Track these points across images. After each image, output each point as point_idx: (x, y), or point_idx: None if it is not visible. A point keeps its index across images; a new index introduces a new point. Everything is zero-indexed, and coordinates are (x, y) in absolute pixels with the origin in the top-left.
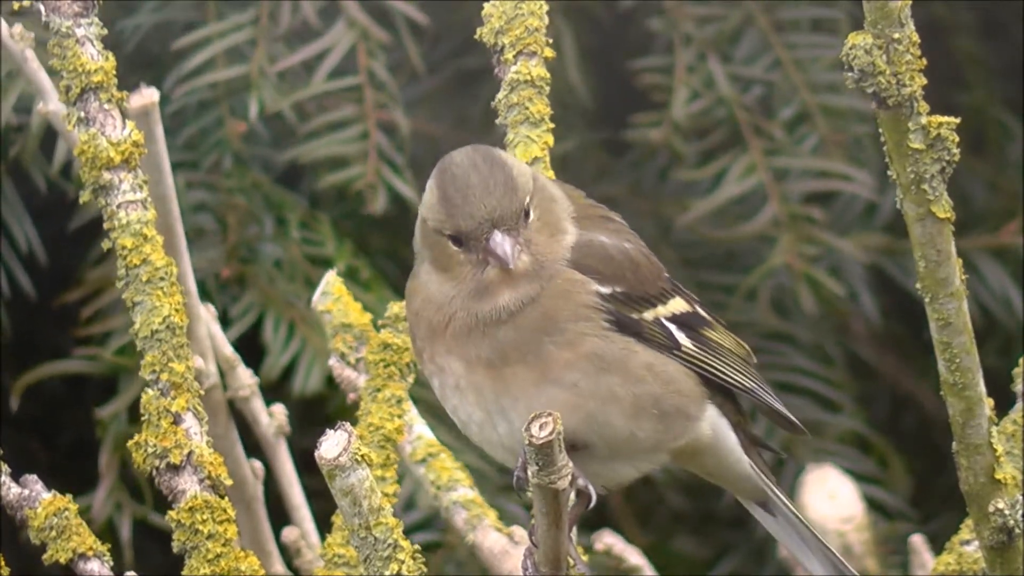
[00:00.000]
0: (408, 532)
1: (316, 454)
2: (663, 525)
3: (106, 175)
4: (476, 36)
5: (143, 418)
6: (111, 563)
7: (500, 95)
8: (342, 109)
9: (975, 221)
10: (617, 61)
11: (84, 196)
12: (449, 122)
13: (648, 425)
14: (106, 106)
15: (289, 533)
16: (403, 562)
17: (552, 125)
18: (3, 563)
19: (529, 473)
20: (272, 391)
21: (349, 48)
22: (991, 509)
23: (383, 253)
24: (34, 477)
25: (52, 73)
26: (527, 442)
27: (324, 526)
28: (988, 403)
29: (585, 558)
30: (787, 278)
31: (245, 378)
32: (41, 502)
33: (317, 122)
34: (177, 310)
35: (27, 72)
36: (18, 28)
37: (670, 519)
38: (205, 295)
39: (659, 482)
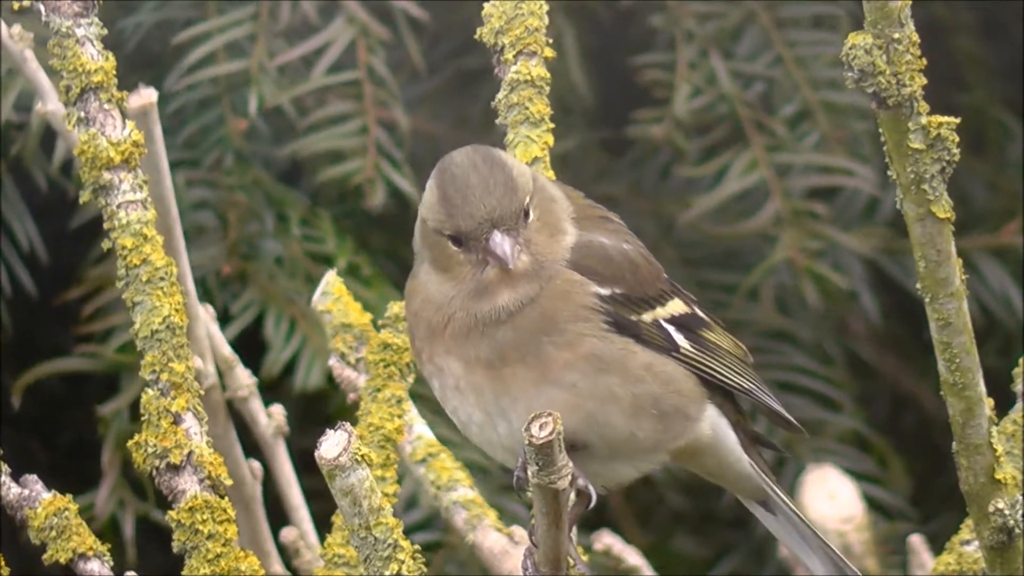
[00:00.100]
0: (409, 532)
1: (316, 454)
2: (663, 525)
3: (106, 175)
4: (476, 36)
5: (143, 418)
6: (111, 563)
7: (500, 95)
8: (341, 104)
9: (975, 221)
10: (618, 59)
11: (84, 196)
12: (449, 122)
13: (647, 425)
14: (106, 106)
15: (288, 533)
16: (403, 562)
17: (552, 125)
18: (3, 563)
19: (529, 473)
20: (273, 388)
21: (348, 44)
22: (991, 509)
23: (384, 251)
24: (34, 477)
25: (51, 73)
26: (527, 442)
27: (323, 526)
28: (988, 403)
29: (585, 558)
30: (788, 276)
31: (243, 378)
32: (41, 502)
33: (316, 116)
34: (177, 310)
35: (26, 72)
36: (17, 28)
37: (670, 519)
38: (206, 292)
39: (659, 482)
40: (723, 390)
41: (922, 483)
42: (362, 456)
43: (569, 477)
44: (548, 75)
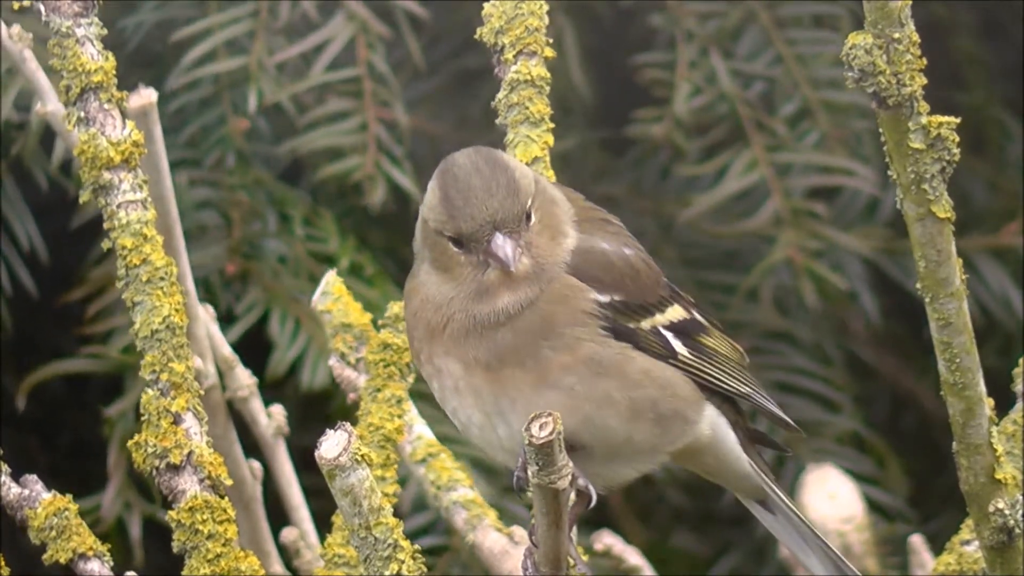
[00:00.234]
0: (414, 536)
1: (316, 454)
2: (663, 523)
3: (106, 175)
4: (476, 36)
5: (143, 418)
6: (111, 563)
7: (500, 95)
8: (341, 101)
9: (975, 221)
10: (618, 59)
11: (84, 196)
12: (449, 121)
13: (645, 429)
14: (106, 106)
15: (288, 533)
16: (403, 562)
17: (552, 125)
18: (3, 563)
19: (529, 473)
20: (276, 388)
21: (348, 41)
22: (991, 509)
23: (385, 250)
24: (34, 477)
25: (51, 73)
26: (527, 442)
27: (324, 526)
28: (988, 403)
29: (585, 558)
30: (788, 276)
31: (244, 378)
32: (41, 502)
33: (316, 113)
34: (177, 310)
35: (26, 72)
36: (17, 28)
37: (670, 517)
38: (209, 292)
39: (659, 480)
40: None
41: (922, 483)
42: (362, 456)
43: (569, 477)
44: (548, 75)
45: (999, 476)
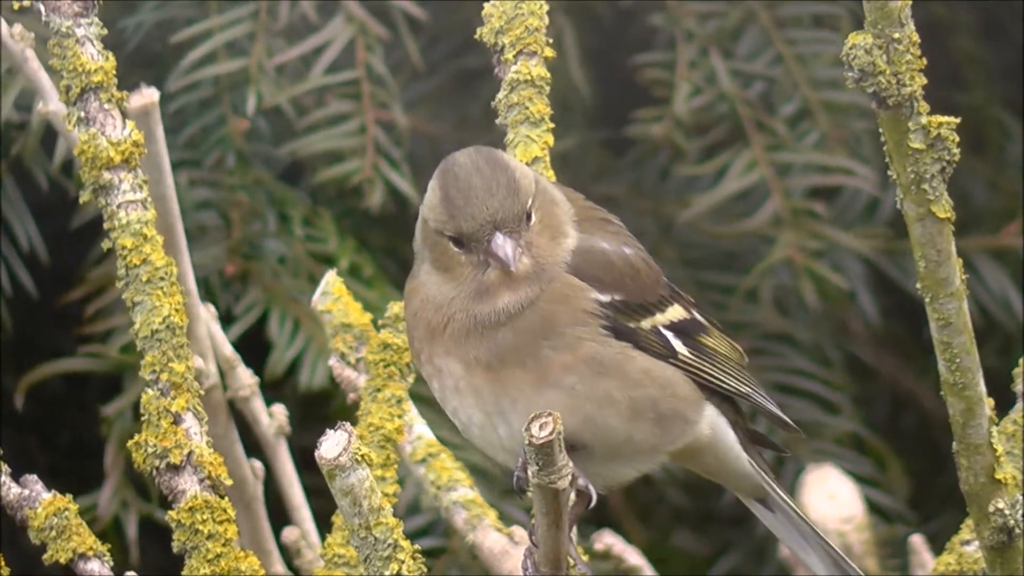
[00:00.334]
0: (412, 537)
1: (316, 454)
2: (663, 523)
3: (106, 175)
4: (476, 36)
5: (143, 418)
6: (111, 563)
7: (500, 95)
8: (340, 104)
9: (975, 221)
10: (618, 59)
11: (84, 196)
12: (449, 122)
13: (645, 428)
14: (106, 106)
15: (289, 533)
16: (403, 562)
17: (552, 125)
18: (3, 563)
19: (529, 473)
20: (276, 388)
21: (347, 43)
22: (991, 509)
23: (385, 250)
24: (34, 477)
25: (52, 73)
26: (527, 442)
27: (324, 526)
28: (988, 403)
29: (585, 558)
30: (787, 277)
31: (245, 378)
32: (41, 502)
33: (315, 116)
34: (177, 310)
35: (27, 72)
36: (18, 28)
37: (670, 517)
38: (209, 292)
39: (659, 480)
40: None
41: (922, 484)
42: (362, 456)
43: (569, 477)
44: (548, 75)
45: (999, 476)
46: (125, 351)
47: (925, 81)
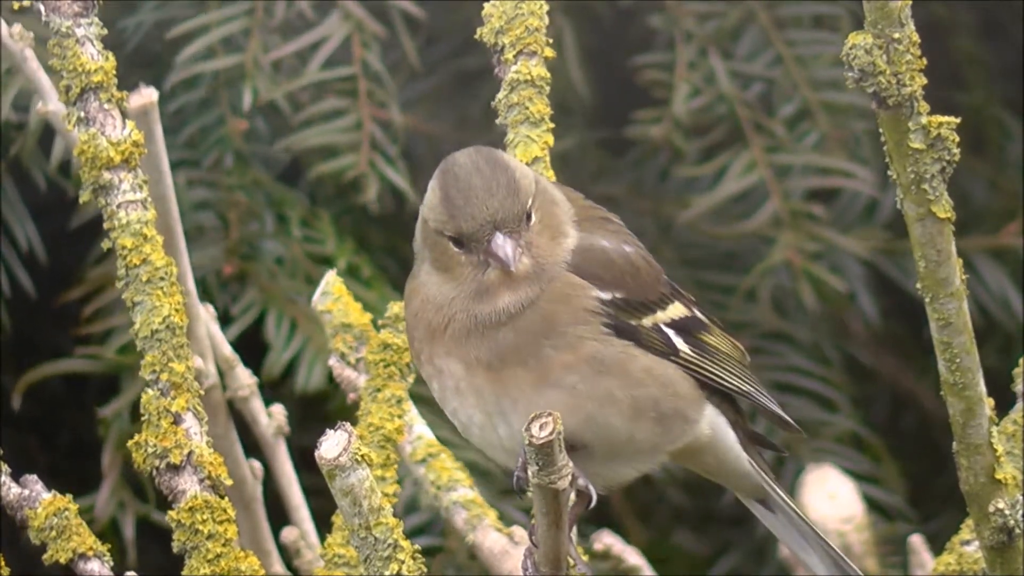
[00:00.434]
0: (409, 536)
1: (316, 454)
2: (663, 523)
3: (106, 175)
4: (476, 36)
5: (143, 418)
6: (111, 563)
7: (500, 95)
8: (336, 99)
9: (975, 221)
10: (617, 59)
11: (84, 196)
12: (448, 122)
13: (647, 428)
14: (106, 106)
15: (288, 533)
16: (403, 562)
17: (552, 125)
18: (3, 563)
19: (529, 473)
20: (273, 389)
21: (344, 40)
22: (991, 509)
23: (383, 250)
24: (34, 477)
25: (52, 72)
26: (527, 442)
27: (324, 526)
28: (988, 403)
29: (585, 558)
30: (786, 277)
31: (244, 378)
32: (41, 502)
33: (310, 112)
34: (177, 310)
35: (27, 72)
36: (18, 28)
37: (670, 516)
38: (207, 292)
39: (659, 480)
40: (721, 390)
41: (922, 483)
42: (362, 456)
43: (569, 477)
44: (548, 75)
45: (999, 476)
46: (121, 352)
47: (925, 81)
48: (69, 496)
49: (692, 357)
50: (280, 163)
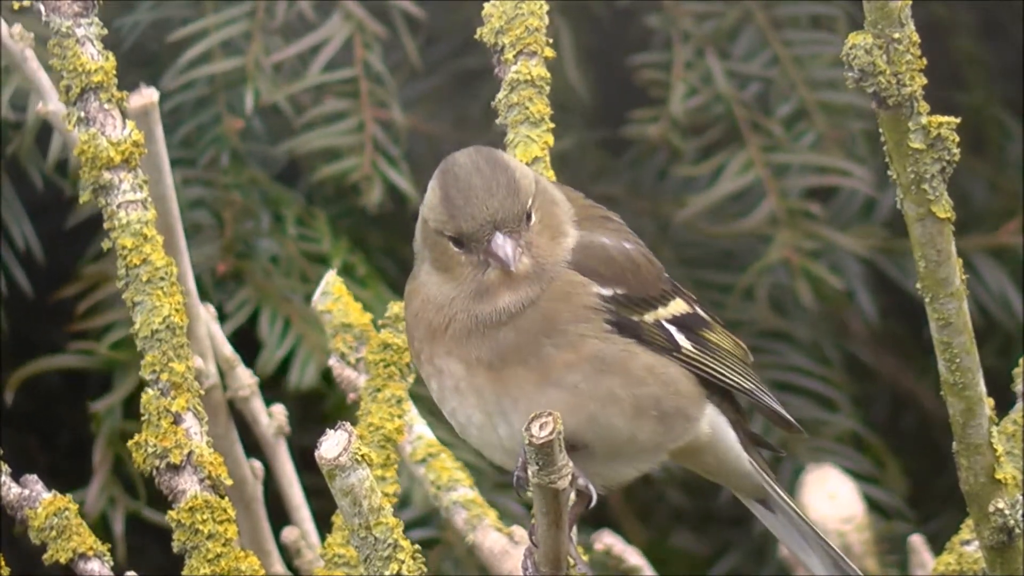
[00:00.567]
0: (406, 529)
1: (316, 454)
2: (663, 523)
3: (106, 175)
4: (476, 36)
5: (143, 418)
6: (111, 563)
7: (500, 95)
8: (338, 102)
9: (975, 221)
10: (615, 59)
11: (84, 196)
12: (448, 122)
13: (648, 426)
14: (106, 106)
15: (289, 533)
16: (403, 562)
17: (552, 125)
18: (3, 563)
19: (529, 473)
20: (274, 388)
21: (345, 41)
22: (991, 509)
23: (380, 250)
24: (34, 477)
25: (52, 72)
26: (527, 442)
27: (324, 526)
28: (988, 403)
29: (585, 558)
30: (785, 276)
31: (245, 378)
32: (41, 502)
33: (312, 114)
34: (177, 310)
35: (27, 72)
36: (18, 28)
37: (670, 516)
38: (201, 290)
39: (659, 480)
40: (722, 389)
41: (922, 483)
42: (362, 456)
43: (569, 477)
44: (548, 75)
45: (999, 476)
46: (115, 348)
47: (925, 81)
48: (69, 496)
49: (694, 353)
50: (278, 163)
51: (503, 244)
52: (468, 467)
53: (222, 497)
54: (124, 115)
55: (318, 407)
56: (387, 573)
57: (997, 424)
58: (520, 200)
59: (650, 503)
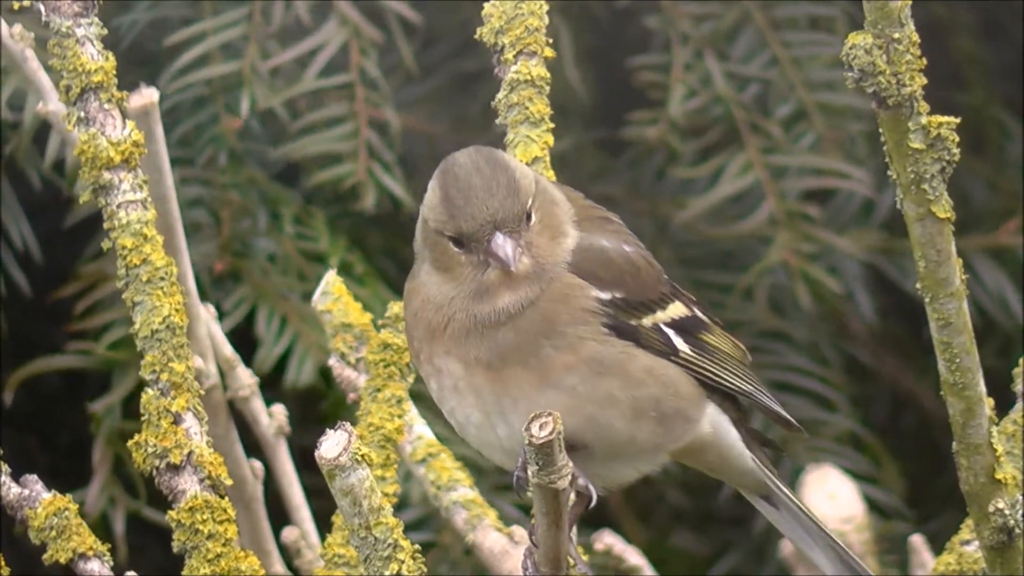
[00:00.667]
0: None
1: (316, 454)
2: (663, 523)
3: (106, 175)
4: (476, 36)
5: (143, 418)
6: (111, 563)
7: (500, 95)
8: (334, 106)
9: (974, 221)
10: (614, 59)
11: (84, 196)
12: (447, 123)
13: (648, 428)
14: (106, 106)
15: (289, 533)
16: (403, 562)
17: (552, 125)
18: (3, 563)
19: (529, 473)
20: (265, 386)
21: (341, 46)
22: (991, 509)
23: (378, 249)
24: (34, 477)
25: (51, 72)
26: (527, 442)
27: (324, 526)
28: (988, 403)
29: (585, 558)
30: (784, 276)
31: (245, 378)
32: (41, 502)
33: (308, 119)
34: (177, 310)
35: (27, 72)
36: (18, 28)
37: (670, 516)
38: (199, 289)
39: (659, 480)
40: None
41: (921, 483)
42: (362, 456)
43: (569, 477)
44: (548, 75)
45: (999, 476)
46: (113, 347)
47: (925, 81)
48: (69, 496)
49: (692, 357)
50: (276, 163)
51: (503, 244)
52: (468, 466)
53: (222, 497)
54: (124, 115)
55: (317, 407)
56: (387, 573)
57: (997, 424)
58: (520, 200)
59: (650, 503)
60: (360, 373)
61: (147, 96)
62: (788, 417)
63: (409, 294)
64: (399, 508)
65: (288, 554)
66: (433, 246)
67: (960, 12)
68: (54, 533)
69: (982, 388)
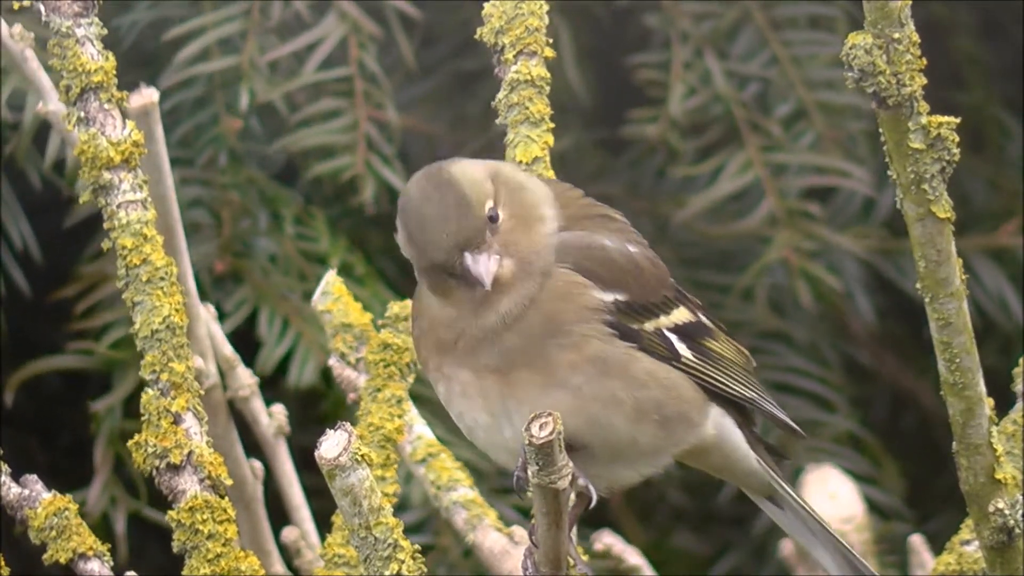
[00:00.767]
0: None
1: (316, 454)
2: (663, 523)
3: (106, 175)
4: (476, 36)
5: (143, 418)
6: (111, 563)
7: (500, 95)
8: (332, 100)
9: (974, 221)
10: (614, 59)
11: (84, 196)
12: (447, 122)
13: (650, 430)
14: (106, 106)
15: (289, 533)
16: (403, 562)
17: (552, 125)
18: (3, 563)
19: (529, 473)
20: (266, 386)
21: (340, 41)
22: (991, 509)
23: (379, 250)
24: (34, 477)
25: (51, 72)
26: (527, 442)
27: (324, 526)
28: (988, 403)
29: (585, 558)
30: (783, 277)
31: (245, 378)
32: (41, 502)
33: (306, 112)
34: (177, 310)
35: (27, 72)
36: (18, 28)
37: (670, 516)
38: (199, 289)
39: (659, 480)
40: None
41: (921, 483)
42: (362, 456)
43: (569, 477)
44: (548, 75)
45: (999, 476)
46: (114, 347)
47: (925, 81)
48: (69, 496)
49: (694, 363)
50: (276, 163)
51: (473, 264)
52: (468, 467)
53: (222, 497)
54: (124, 115)
55: (318, 407)
56: (387, 573)
57: (997, 424)
58: (475, 213)
59: (650, 503)
60: (360, 373)
61: (147, 96)
62: (792, 423)
63: (417, 314)
64: (398, 510)
65: (288, 554)
66: (422, 277)
67: (960, 12)
68: (54, 533)
69: (982, 388)
